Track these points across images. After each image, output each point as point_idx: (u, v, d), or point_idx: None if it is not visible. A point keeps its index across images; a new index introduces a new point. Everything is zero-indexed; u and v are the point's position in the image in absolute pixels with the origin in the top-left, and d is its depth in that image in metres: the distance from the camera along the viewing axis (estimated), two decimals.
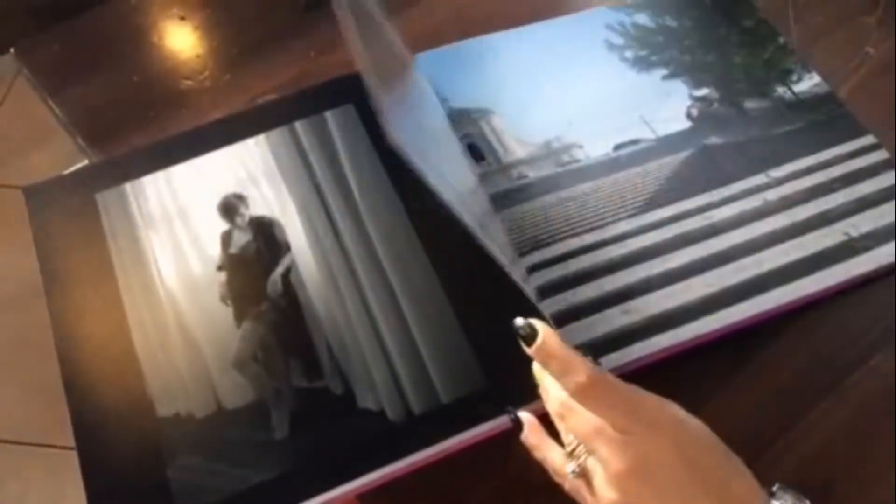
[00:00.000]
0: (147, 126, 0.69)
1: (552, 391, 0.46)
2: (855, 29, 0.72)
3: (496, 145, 0.66)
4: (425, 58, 0.70)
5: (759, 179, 0.64)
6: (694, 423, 0.43)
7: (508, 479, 0.52)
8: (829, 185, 0.63)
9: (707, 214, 0.62)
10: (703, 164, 0.65)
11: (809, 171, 0.64)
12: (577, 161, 0.66)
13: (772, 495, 0.43)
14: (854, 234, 0.60)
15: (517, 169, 0.65)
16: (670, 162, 0.65)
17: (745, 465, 0.43)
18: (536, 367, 0.48)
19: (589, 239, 0.61)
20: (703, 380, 0.55)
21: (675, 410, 0.43)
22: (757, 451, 0.49)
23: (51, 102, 0.71)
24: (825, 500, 0.44)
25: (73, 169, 0.65)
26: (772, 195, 0.63)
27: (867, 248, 0.59)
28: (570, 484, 0.44)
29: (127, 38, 0.76)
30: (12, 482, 1.45)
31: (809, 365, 0.56)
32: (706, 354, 0.55)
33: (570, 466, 0.44)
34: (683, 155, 0.66)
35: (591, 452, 0.43)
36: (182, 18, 0.77)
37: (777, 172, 0.64)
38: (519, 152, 0.66)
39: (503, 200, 0.63)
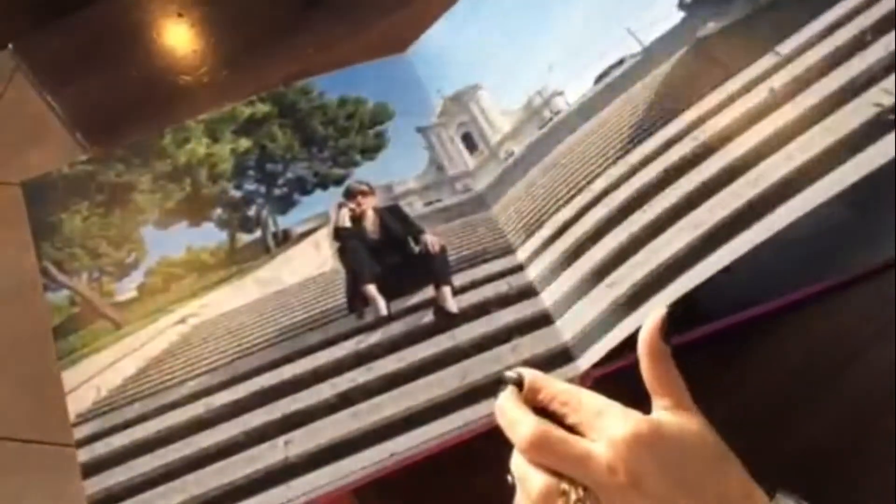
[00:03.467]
0: (145, 122, 0.69)
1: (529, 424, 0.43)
2: None
3: (485, 127, 0.66)
4: (416, 52, 0.69)
5: (765, 62, 0.55)
6: (676, 428, 0.42)
7: (505, 472, 0.53)
8: (854, 45, 0.52)
9: (702, 129, 0.55)
10: (698, 63, 0.59)
11: (826, 34, 0.54)
12: (559, 112, 0.63)
13: (772, 499, 0.43)
14: (886, 103, 0.48)
15: (504, 147, 0.65)
16: (659, 74, 0.59)
17: (740, 466, 0.42)
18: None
19: (576, 205, 0.58)
20: (698, 375, 0.55)
21: (656, 418, 0.43)
22: (755, 445, 0.49)
23: (49, 99, 0.71)
24: (819, 497, 0.44)
25: (72, 163, 0.66)
26: (780, 79, 0.54)
27: None
28: None
29: (125, 35, 0.76)
30: (10, 480, 1.45)
31: (804, 361, 0.56)
32: (701, 349, 0.55)
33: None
34: (675, 58, 0.59)
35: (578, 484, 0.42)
36: (180, 15, 0.77)
37: (786, 48, 0.55)
38: (505, 126, 0.65)
39: (495, 190, 0.63)
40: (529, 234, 0.59)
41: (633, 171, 0.57)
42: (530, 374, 0.47)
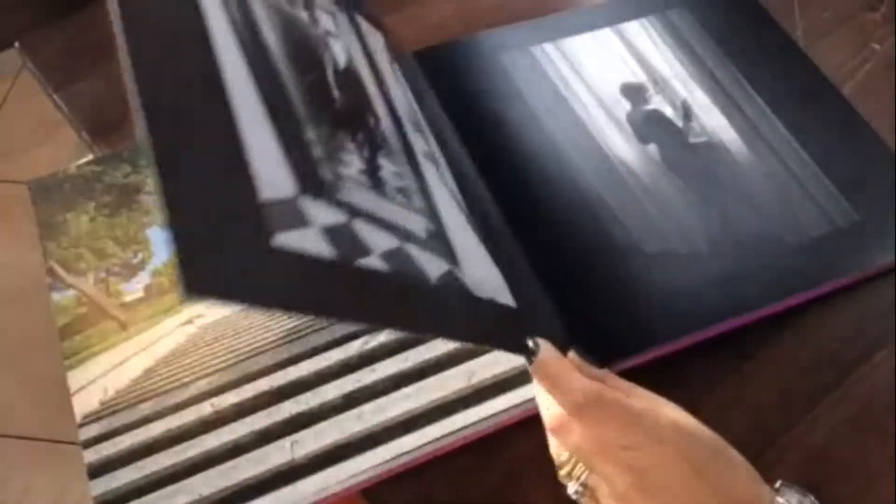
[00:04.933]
0: None
1: (549, 408, 0.44)
2: (859, 25, 0.72)
3: None
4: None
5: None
6: (694, 424, 0.43)
7: (504, 474, 0.53)
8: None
9: None
10: None
11: None
12: None
13: (776, 492, 0.43)
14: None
15: None
16: None
17: (748, 463, 0.43)
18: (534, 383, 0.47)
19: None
20: (706, 376, 0.55)
21: (676, 414, 0.42)
22: (760, 447, 0.49)
23: (55, 97, 0.71)
24: (828, 497, 0.44)
25: (79, 163, 0.66)
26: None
27: None
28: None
29: None
30: (15, 477, 1.45)
31: (812, 362, 0.56)
32: (709, 351, 0.55)
33: (572, 487, 0.43)
34: None
35: (591, 469, 0.42)
36: None
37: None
38: None
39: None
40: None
41: None
42: (541, 354, 0.43)
